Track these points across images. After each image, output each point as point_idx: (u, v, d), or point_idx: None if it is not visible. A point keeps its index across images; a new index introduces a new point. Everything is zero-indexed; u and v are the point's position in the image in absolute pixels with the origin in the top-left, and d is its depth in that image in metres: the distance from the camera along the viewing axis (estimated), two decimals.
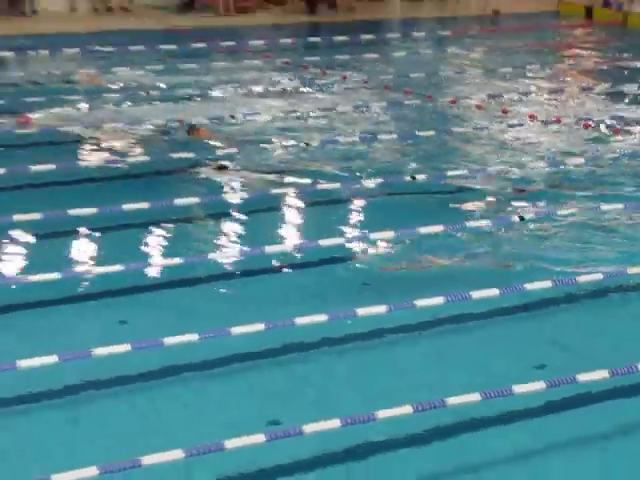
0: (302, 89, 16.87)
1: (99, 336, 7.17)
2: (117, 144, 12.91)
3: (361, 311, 7.21)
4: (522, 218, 10.02)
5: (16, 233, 9.37)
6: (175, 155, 11.90)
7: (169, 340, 6.61)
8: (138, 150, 12.72)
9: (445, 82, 17.83)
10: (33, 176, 10.83)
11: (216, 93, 16.48)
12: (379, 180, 11.26)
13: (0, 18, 24.29)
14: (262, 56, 19.84)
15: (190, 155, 11.91)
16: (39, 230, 9.34)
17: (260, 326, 6.82)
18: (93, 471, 5.08)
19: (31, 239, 9.34)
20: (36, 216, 9.08)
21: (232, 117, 14.23)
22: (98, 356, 6.40)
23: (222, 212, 10.33)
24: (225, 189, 11.13)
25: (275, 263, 8.83)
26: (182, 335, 6.69)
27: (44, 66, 18.40)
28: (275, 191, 10.86)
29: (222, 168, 11.76)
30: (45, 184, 10.89)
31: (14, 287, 8.06)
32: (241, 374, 6.81)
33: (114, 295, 8.05)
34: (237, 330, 6.75)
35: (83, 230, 9.54)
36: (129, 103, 15.59)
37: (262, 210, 10.47)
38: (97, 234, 9.53)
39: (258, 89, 16.75)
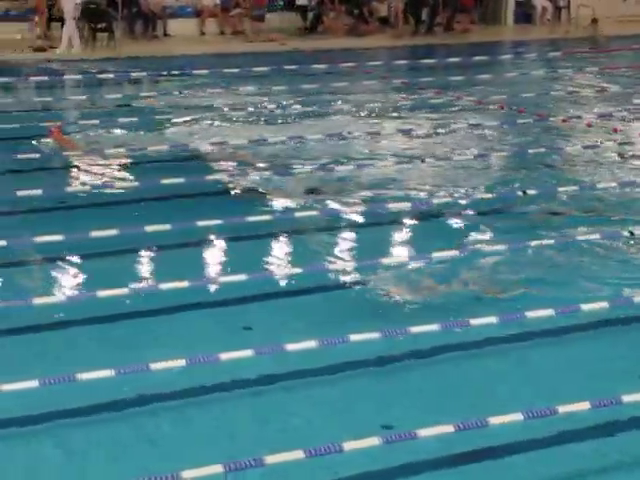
0: (417, 109, 17.57)
1: (225, 341, 7.68)
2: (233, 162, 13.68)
3: (474, 321, 7.77)
4: (632, 233, 10.05)
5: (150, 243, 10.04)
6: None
7: (291, 346, 7.14)
8: (262, 164, 13.47)
9: (556, 101, 18.34)
10: (161, 189, 11.63)
11: (332, 112, 17.25)
12: (488, 195, 11.85)
13: (135, 41, 25.61)
14: (379, 77, 20.65)
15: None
16: (172, 240, 10.06)
17: (376, 335, 7.45)
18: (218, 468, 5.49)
19: (160, 249, 10.03)
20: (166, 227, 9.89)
21: (346, 135, 15.01)
22: (224, 361, 6.93)
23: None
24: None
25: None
26: (303, 342, 7.21)
27: (175, 86, 19.50)
28: (375, 209, 11.40)
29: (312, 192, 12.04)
30: (174, 196, 11.74)
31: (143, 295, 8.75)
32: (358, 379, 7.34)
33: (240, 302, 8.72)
34: (355, 337, 7.33)
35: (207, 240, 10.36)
36: (250, 121, 16.51)
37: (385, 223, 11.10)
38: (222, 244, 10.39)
39: (375, 109, 17.51)
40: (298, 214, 11.03)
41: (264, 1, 27.73)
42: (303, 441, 5.91)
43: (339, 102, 18.09)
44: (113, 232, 9.59)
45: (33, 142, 14.42)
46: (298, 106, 17.45)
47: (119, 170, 12.97)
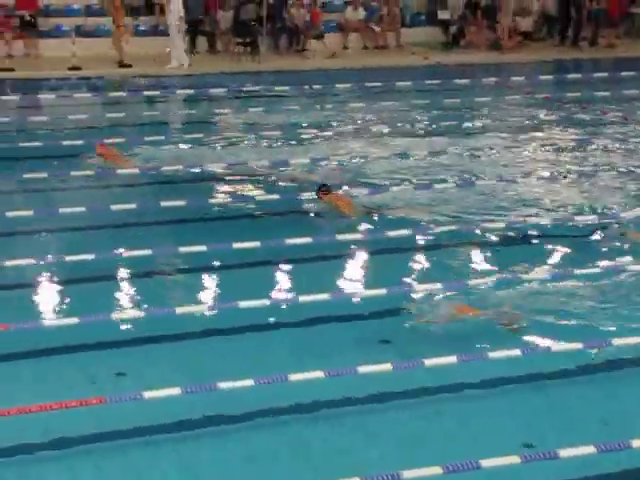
0: (560, 124, 17.35)
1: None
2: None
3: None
4: None
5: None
6: None
7: (430, 361, 7.42)
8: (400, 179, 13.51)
9: None
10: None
11: (474, 127, 17.17)
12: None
13: (280, 56, 25.96)
14: (522, 92, 20.47)
15: None
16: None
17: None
18: None
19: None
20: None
21: (487, 150, 14.94)
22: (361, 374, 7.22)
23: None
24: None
25: None
26: (444, 357, 7.46)
27: (318, 100, 19.69)
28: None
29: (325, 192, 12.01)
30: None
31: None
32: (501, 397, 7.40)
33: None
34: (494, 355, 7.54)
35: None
36: (389, 134, 16.56)
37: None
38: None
39: (517, 124, 17.38)
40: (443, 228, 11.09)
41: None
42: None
43: (481, 117, 18.01)
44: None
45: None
46: (441, 121, 17.41)
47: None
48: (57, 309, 8.99)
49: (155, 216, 11.50)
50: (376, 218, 11.55)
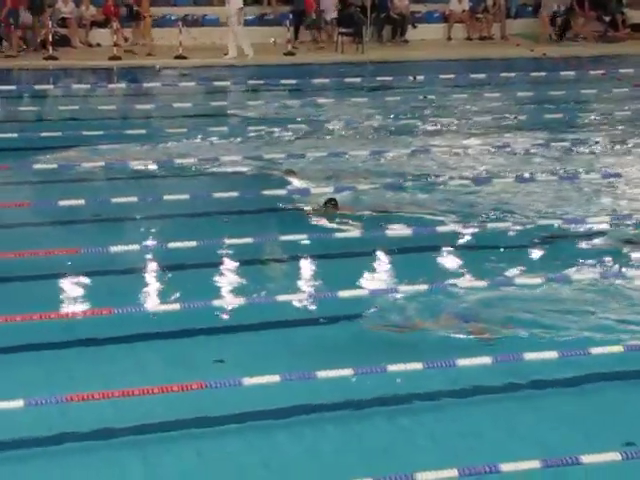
0: None
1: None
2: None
3: None
4: None
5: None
6: None
7: (529, 355, 7.29)
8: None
9: None
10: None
11: (579, 120, 16.92)
12: None
13: (380, 46, 25.94)
14: (631, 85, 20.10)
15: None
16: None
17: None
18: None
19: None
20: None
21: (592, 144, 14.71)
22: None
23: None
24: None
25: None
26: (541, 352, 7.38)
27: (421, 91, 19.63)
28: None
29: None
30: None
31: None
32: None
33: None
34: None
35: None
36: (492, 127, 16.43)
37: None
38: None
39: (623, 118, 17.09)
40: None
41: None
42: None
43: (586, 110, 17.75)
44: None
45: None
46: (545, 114, 17.21)
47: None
48: (160, 295, 9.15)
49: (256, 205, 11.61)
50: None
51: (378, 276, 9.61)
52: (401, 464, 6.10)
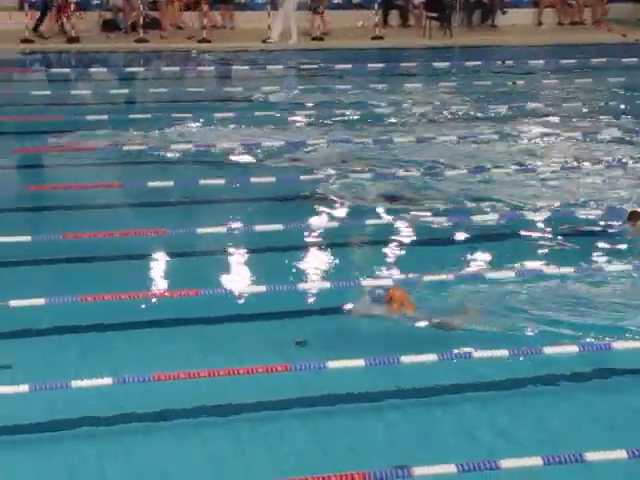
0: None
1: None
2: None
3: None
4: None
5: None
6: None
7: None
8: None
9: None
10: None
11: None
12: None
13: (468, 31, 25.73)
14: None
15: None
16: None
17: None
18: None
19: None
20: None
21: None
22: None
23: None
24: None
25: None
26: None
27: (509, 77, 19.42)
28: None
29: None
30: None
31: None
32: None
33: None
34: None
35: None
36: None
37: None
38: None
39: None
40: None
41: None
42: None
43: None
44: None
45: None
46: (637, 101, 16.91)
47: None
48: (245, 277, 9.22)
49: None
50: None
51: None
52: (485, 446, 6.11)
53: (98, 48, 22.92)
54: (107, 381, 6.49)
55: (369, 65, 20.43)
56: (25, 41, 22.99)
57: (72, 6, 23.67)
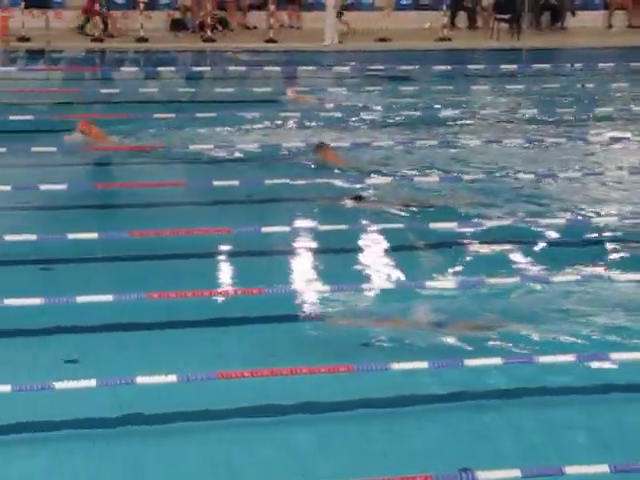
0: None
1: None
2: None
3: None
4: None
5: None
6: None
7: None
8: None
9: None
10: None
11: None
12: None
13: (537, 33, 25.55)
14: None
15: None
16: None
17: None
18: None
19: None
20: None
21: None
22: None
23: None
24: None
25: None
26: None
27: (579, 80, 19.23)
28: None
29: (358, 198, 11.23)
30: None
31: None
32: None
33: None
34: None
35: None
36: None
37: None
38: None
39: None
40: None
41: None
42: None
43: None
44: None
45: None
46: None
47: None
48: (309, 276, 9.23)
49: None
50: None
51: None
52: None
53: (166, 47, 23.12)
54: (171, 378, 6.52)
55: (435, 67, 20.35)
56: (95, 40, 23.27)
57: (141, 5, 23.93)
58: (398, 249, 9.89)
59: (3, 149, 12.69)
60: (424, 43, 23.94)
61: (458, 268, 9.26)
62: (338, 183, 11.68)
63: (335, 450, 6.22)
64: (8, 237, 9.17)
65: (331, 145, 12.78)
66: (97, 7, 23.78)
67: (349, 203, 11.12)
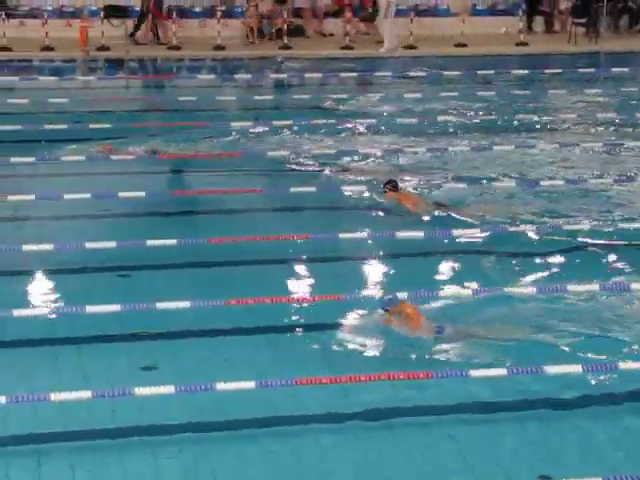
0: None
1: None
2: None
3: None
4: None
5: None
6: None
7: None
8: None
9: None
10: None
11: None
12: None
13: (615, 37, 25.23)
14: None
15: None
16: None
17: None
18: None
19: None
20: None
21: None
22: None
23: None
24: None
25: None
26: None
27: None
28: None
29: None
30: None
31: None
32: None
33: None
34: None
35: None
36: None
37: None
38: None
39: None
40: None
41: None
42: None
43: None
44: None
45: None
46: None
47: None
48: (384, 282, 9.20)
49: None
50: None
51: None
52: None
53: (242, 55, 23.28)
54: (249, 385, 6.56)
55: (513, 71, 20.19)
56: (171, 48, 23.51)
57: (218, 13, 24.15)
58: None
59: (82, 157, 12.92)
60: (501, 48, 23.78)
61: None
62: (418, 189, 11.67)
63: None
64: (88, 244, 9.34)
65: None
66: (150, 15, 23.97)
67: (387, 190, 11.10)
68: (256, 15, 24.53)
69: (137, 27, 24.29)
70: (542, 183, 11.84)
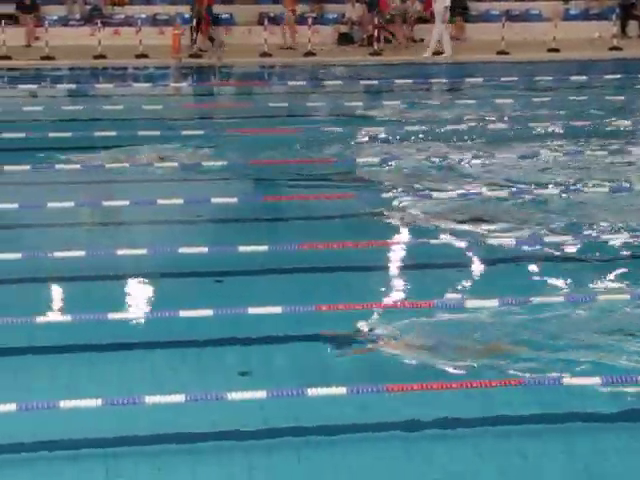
0: None
1: None
2: None
3: None
4: None
5: None
6: None
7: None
8: None
9: None
10: None
11: None
12: None
13: None
14: None
15: None
16: None
17: None
18: None
19: None
20: None
21: None
22: None
23: None
24: None
25: None
26: None
27: None
28: None
29: None
30: None
31: None
32: None
33: None
34: None
35: None
36: None
37: None
38: None
39: None
40: None
41: None
42: None
43: None
44: None
45: None
46: None
47: None
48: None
49: None
50: None
51: None
52: None
53: (333, 61, 23.34)
54: (341, 390, 6.56)
55: (606, 76, 19.91)
56: (263, 55, 23.68)
57: (309, 20, 24.27)
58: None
59: (175, 164, 13.07)
60: (594, 53, 23.48)
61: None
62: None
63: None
64: (182, 249, 9.44)
65: None
66: (204, 26, 24.08)
67: None
68: (294, 22, 24.64)
69: (195, 35, 24.36)
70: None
